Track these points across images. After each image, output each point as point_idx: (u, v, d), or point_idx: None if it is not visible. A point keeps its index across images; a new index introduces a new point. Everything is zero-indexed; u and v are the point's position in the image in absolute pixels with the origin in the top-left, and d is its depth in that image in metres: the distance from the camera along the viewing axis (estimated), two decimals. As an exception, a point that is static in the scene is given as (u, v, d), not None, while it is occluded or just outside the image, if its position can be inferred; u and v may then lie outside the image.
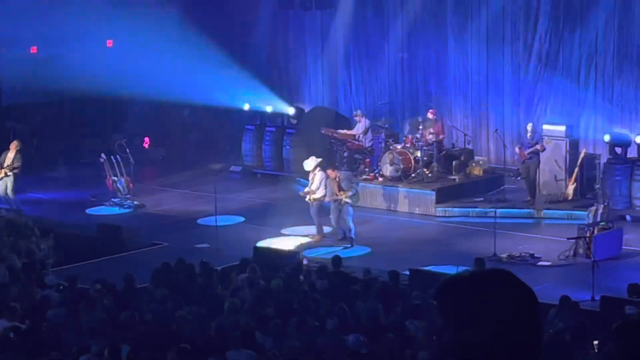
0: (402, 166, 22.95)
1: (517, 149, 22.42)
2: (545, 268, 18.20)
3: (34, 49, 26.55)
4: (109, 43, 27.52)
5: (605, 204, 19.56)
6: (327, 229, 20.54)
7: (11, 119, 27.11)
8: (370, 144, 24.65)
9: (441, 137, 23.75)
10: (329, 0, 27.28)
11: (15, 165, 22.39)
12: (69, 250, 19.15)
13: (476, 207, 22.01)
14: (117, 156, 24.25)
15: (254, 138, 27.12)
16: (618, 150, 22.10)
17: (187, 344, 11.73)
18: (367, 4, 27.05)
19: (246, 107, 27.41)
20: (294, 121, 26.95)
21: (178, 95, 26.48)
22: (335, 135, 24.87)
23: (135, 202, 23.58)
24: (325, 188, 20.30)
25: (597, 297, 15.46)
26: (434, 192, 22.35)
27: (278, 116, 27.24)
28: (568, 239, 18.43)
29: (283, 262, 17.24)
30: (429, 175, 23.07)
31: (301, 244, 20.10)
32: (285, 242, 20.21)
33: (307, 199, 20.52)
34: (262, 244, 19.42)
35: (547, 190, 22.29)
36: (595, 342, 12.30)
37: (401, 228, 21.52)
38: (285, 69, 29.21)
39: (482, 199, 22.38)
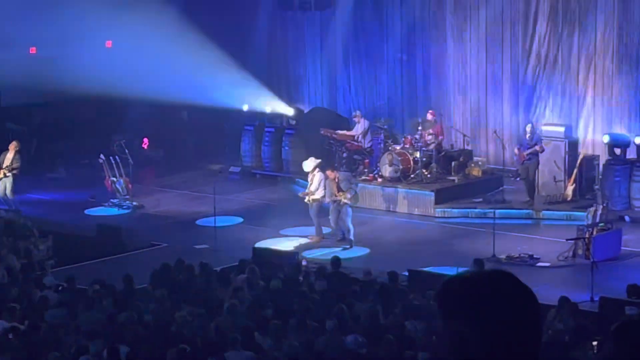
0: (401, 167, 22.95)
1: (516, 150, 22.42)
2: (545, 269, 18.20)
3: (33, 50, 26.55)
4: (109, 44, 27.52)
5: (604, 204, 19.56)
6: (326, 230, 20.54)
7: (10, 120, 27.10)
8: (369, 145, 24.66)
9: (440, 138, 23.75)
10: (328, 1, 27.30)
11: (15, 165, 22.38)
12: (67, 250, 19.16)
13: (475, 208, 22.01)
14: (116, 157, 24.25)
15: (253, 139, 27.11)
16: (617, 151, 22.10)
17: (187, 344, 11.74)
18: (366, 4, 27.05)
19: (245, 107, 27.40)
20: (293, 122, 26.96)
21: (177, 95, 26.47)
22: (334, 136, 24.88)
23: (134, 203, 23.58)
24: (325, 189, 20.30)
25: (596, 298, 15.46)
26: (433, 193, 22.35)
27: (277, 117, 27.24)
28: (567, 239, 18.43)
29: (282, 263, 17.25)
30: (428, 176, 23.07)
31: (300, 245, 20.09)
32: (285, 243, 20.21)
33: (306, 200, 20.52)
34: (261, 244, 19.41)
35: (546, 191, 22.29)
36: (594, 343, 12.30)
37: (400, 229, 21.52)
38: (284, 70, 29.21)
39: (481, 199, 22.37)
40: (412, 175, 23.03)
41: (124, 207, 23.50)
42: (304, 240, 20.44)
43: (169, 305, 14.26)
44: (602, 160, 22.30)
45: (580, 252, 18.31)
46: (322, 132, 25.00)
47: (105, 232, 20.43)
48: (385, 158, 23.14)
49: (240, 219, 22.24)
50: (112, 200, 23.75)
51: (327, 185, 20.26)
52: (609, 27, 23.31)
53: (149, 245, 20.33)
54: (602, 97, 23.63)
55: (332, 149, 24.64)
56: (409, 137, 23.89)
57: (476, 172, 23.53)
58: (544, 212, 21.68)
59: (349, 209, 20.06)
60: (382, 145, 24.33)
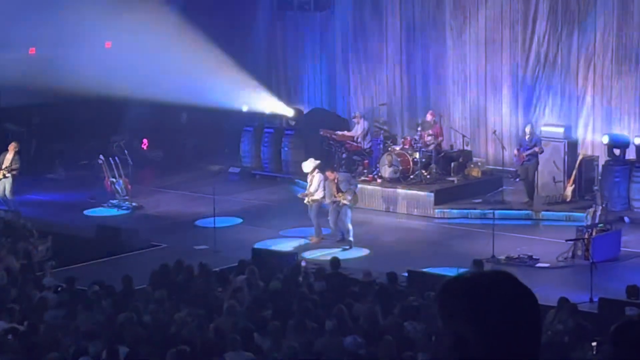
0: (400, 168, 22.95)
1: (515, 151, 22.42)
2: (544, 270, 18.20)
3: (32, 50, 26.54)
4: (108, 44, 27.51)
5: (604, 205, 19.55)
6: (325, 231, 20.53)
7: (10, 121, 27.09)
8: (368, 146, 24.66)
9: (440, 138, 23.75)
10: (328, 2, 27.29)
11: (14, 166, 22.37)
12: (67, 251, 19.15)
13: (475, 209, 22.00)
14: (116, 157, 24.25)
15: (252, 139, 27.10)
16: (616, 151, 22.10)
17: (186, 345, 11.73)
18: (366, 5, 27.06)
19: (245, 108, 27.39)
20: (293, 123, 26.95)
21: (177, 96, 26.46)
22: (333, 136, 24.89)
23: (134, 204, 23.57)
24: (324, 190, 20.30)
25: (596, 299, 15.46)
26: (432, 194, 22.35)
27: (277, 117, 27.23)
28: (566, 240, 18.43)
29: (281, 263, 17.24)
30: (428, 176, 23.07)
31: (300, 246, 20.09)
32: (284, 243, 20.21)
33: (305, 201, 20.52)
34: (260, 245, 19.40)
35: (546, 191, 22.29)
36: (594, 344, 12.29)
37: (400, 229, 21.52)
38: (283, 71, 29.22)
39: (480, 200, 22.37)
40: (411, 176, 23.03)
41: (124, 207, 23.49)
42: (303, 241, 20.43)
43: (169, 306, 14.25)
44: (602, 161, 22.30)
45: (579, 252, 18.31)
46: (321, 132, 25.01)
47: (105, 233, 20.42)
48: (385, 159, 23.13)
49: (240, 220, 22.24)
50: (111, 201, 23.74)
51: (326, 186, 20.25)
52: (608, 27, 23.32)
53: (149, 246, 20.32)
54: (601, 97, 23.64)
55: (332, 150, 24.64)
56: (409, 137, 23.89)
57: (475, 172, 23.53)
58: (543, 212, 21.68)
59: (349, 210, 20.06)
60: (381, 146, 24.33)
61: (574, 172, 21.96)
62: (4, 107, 26.84)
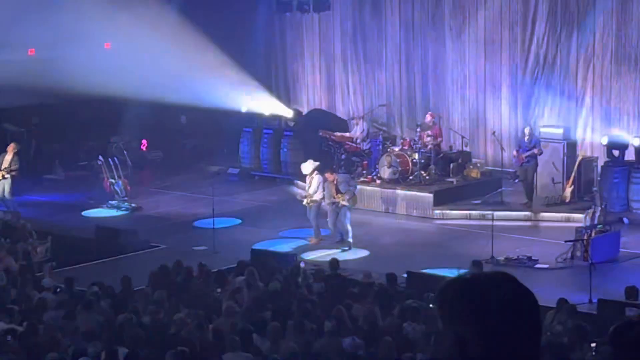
0: (399, 169, 22.95)
1: (514, 152, 22.42)
2: (543, 271, 18.19)
3: (31, 51, 26.54)
4: (107, 45, 27.51)
5: (603, 206, 19.55)
6: (325, 232, 20.53)
7: (9, 121, 27.09)
8: (368, 147, 24.66)
9: (439, 139, 23.75)
10: (327, 3, 27.29)
11: (13, 167, 22.37)
12: (66, 252, 19.15)
13: (474, 210, 22.00)
14: (115, 158, 24.25)
15: (251, 140, 27.10)
16: (615, 153, 22.10)
17: (185, 346, 11.73)
18: (365, 6, 27.07)
19: (244, 109, 27.39)
20: (292, 123, 26.95)
21: (176, 97, 26.47)
22: (333, 137, 24.89)
23: (133, 205, 23.57)
24: (323, 191, 20.30)
25: (595, 300, 15.46)
26: (431, 195, 22.36)
27: (276, 118, 27.23)
28: (565, 241, 18.42)
29: (280, 264, 17.23)
30: (427, 177, 23.07)
31: (299, 247, 20.09)
32: (283, 244, 20.20)
33: (304, 202, 20.51)
34: (259, 246, 19.40)
35: (545, 192, 22.28)
36: (593, 345, 12.30)
37: (399, 230, 21.51)
38: (283, 72, 29.23)
39: (479, 201, 22.37)
40: (410, 177, 23.03)
41: (123, 208, 23.49)
42: (302, 242, 20.43)
43: (168, 307, 14.25)
44: (601, 162, 22.30)
45: (578, 253, 18.31)
46: (320, 133, 25.01)
47: (104, 234, 20.42)
48: (384, 160, 23.13)
49: (239, 221, 22.24)
50: (110, 201, 23.74)
51: (325, 187, 20.25)
52: (607, 28, 23.33)
53: (148, 246, 20.32)
54: (600, 98, 23.65)
55: (331, 151, 24.64)
56: (408, 138, 23.90)
57: (475, 173, 23.54)
58: (542, 213, 21.68)
59: (348, 211, 20.07)
60: (380, 146, 24.34)
61: (573, 173, 21.96)
62: (4, 108, 26.83)
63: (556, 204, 21.94)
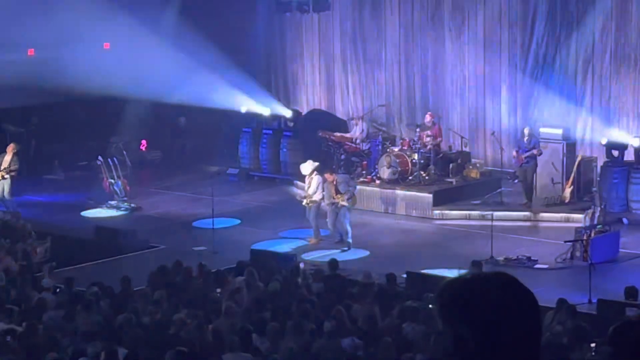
0: (399, 169, 22.95)
1: (514, 153, 22.42)
2: (543, 271, 18.19)
3: (31, 52, 26.54)
4: (106, 45, 27.51)
5: (602, 207, 19.55)
6: (324, 232, 20.53)
7: (8, 122, 27.09)
8: (367, 147, 24.66)
9: (438, 140, 23.75)
10: (326, 3, 27.30)
11: (12, 167, 22.37)
12: (65, 252, 19.15)
13: (473, 210, 22.01)
14: (114, 158, 24.24)
15: (251, 141, 27.09)
16: (615, 153, 22.10)
17: (184, 346, 11.73)
18: (365, 6, 27.07)
19: (243, 109, 27.39)
20: (291, 124, 26.95)
21: (175, 97, 26.47)
22: (332, 138, 24.88)
23: (132, 205, 23.56)
24: (323, 191, 20.30)
25: (594, 300, 15.47)
26: (431, 195, 22.36)
27: (275, 119, 27.23)
28: (565, 241, 18.43)
29: (280, 265, 17.23)
30: (426, 178, 23.08)
31: (298, 247, 20.08)
32: (282, 245, 20.20)
33: (304, 203, 20.51)
34: (258, 246, 19.40)
35: (544, 193, 22.28)
36: (593, 345, 12.30)
37: (398, 231, 21.51)
38: (282, 72, 29.23)
39: (479, 201, 22.37)
40: (410, 177, 23.04)
41: (122, 208, 23.48)
42: (302, 243, 20.43)
43: (167, 307, 14.25)
44: (600, 162, 22.30)
45: (578, 254, 18.31)
46: (320, 134, 25.01)
47: (103, 234, 20.42)
48: (384, 160, 23.14)
49: (238, 221, 22.23)
50: (110, 202, 23.74)
51: (325, 187, 20.25)
52: (606, 28, 23.33)
53: (147, 247, 20.32)
54: (600, 98, 23.65)
55: (330, 151, 24.64)
56: (407, 139, 23.90)
57: (474, 174, 23.54)
58: (542, 214, 21.68)
59: (347, 212, 20.07)
60: (380, 147, 24.34)
61: (572, 174, 21.97)
62: (3, 108, 26.83)
63: (556, 204, 21.94)
